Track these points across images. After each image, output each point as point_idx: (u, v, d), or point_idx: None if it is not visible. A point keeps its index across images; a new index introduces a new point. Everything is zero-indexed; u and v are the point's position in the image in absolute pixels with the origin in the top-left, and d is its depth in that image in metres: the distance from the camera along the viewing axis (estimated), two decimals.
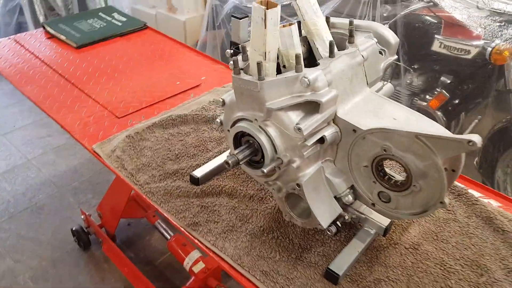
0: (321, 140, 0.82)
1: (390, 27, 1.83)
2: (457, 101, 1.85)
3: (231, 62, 0.89)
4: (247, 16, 1.00)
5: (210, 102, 1.46)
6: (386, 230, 0.95)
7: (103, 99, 1.48)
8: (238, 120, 0.88)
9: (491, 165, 1.95)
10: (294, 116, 0.80)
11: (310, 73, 0.79)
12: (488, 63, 1.68)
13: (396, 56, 0.99)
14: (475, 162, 2.00)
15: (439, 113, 1.88)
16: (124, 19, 2.02)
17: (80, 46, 1.80)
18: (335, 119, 0.83)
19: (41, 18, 3.46)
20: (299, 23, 0.98)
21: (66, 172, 2.57)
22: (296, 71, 0.80)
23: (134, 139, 1.27)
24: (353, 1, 1.88)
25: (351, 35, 0.92)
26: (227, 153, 1.20)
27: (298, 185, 0.85)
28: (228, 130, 0.91)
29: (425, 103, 1.91)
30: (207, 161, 1.19)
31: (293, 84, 0.80)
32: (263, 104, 0.80)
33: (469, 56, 1.74)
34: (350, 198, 0.88)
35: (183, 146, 1.26)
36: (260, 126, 0.84)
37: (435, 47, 1.81)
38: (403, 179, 0.81)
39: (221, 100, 0.90)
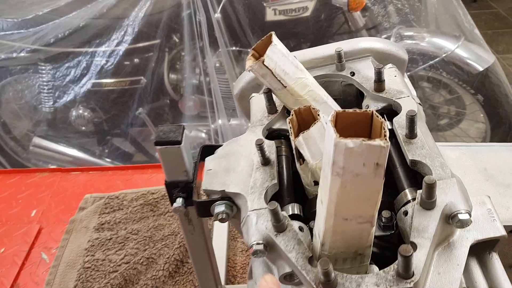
0: None
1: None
2: None
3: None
4: None
5: (88, 249, 0.86)
6: None
7: None
8: None
9: None
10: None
11: (456, 202, 0.40)
12: (332, 12, 1.51)
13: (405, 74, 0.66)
14: None
15: None
16: None
17: None
18: None
19: None
20: (267, 94, 0.54)
21: None
22: (427, 208, 0.39)
23: None
24: None
25: (380, 79, 0.53)
26: None
27: None
28: None
29: None
30: None
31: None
32: None
33: (308, 13, 1.53)
34: None
35: None
36: None
37: (270, 16, 1.53)
38: None
39: None
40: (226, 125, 1.63)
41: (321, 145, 0.45)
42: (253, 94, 0.61)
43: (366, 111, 0.33)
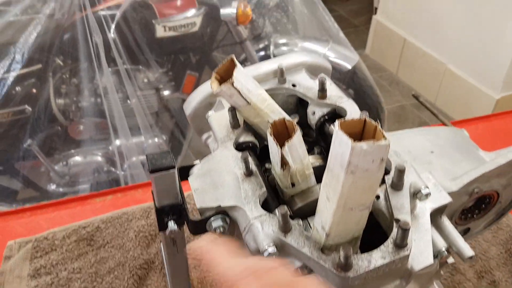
0: None
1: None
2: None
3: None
4: None
5: None
6: None
7: None
8: None
9: None
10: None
11: (416, 181, 0.50)
12: (219, 26, 1.57)
13: None
14: None
15: None
16: None
17: None
18: None
19: None
20: (232, 111, 0.59)
21: None
22: (398, 189, 0.49)
23: None
24: None
25: (323, 88, 0.62)
26: None
27: None
28: None
29: (178, 92, 1.67)
30: None
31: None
32: (407, 271, 0.47)
33: (196, 28, 1.55)
34: None
35: None
36: None
37: (160, 33, 1.51)
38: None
39: None
40: (126, 144, 1.59)
41: (299, 151, 0.52)
42: (209, 113, 0.65)
43: (360, 118, 0.41)
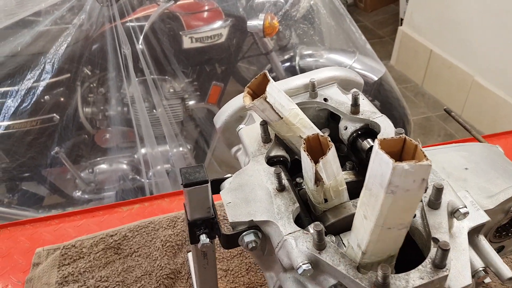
0: None
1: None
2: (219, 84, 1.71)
3: None
4: None
5: None
6: None
7: None
8: None
9: None
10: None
11: (454, 200, 0.49)
12: (245, 37, 1.58)
13: None
14: None
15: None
16: None
17: None
18: None
19: None
20: (264, 125, 0.59)
21: None
22: (435, 208, 0.48)
23: None
24: None
25: (356, 103, 0.61)
26: None
27: None
28: None
29: (203, 103, 1.68)
30: None
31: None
32: None
33: (223, 39, 1.58)
34: None
35: None
36: None
37: (187, 44, 1.54)
38: None
39: None
40: (151, 153, 1.61)
41: (334, 167, 0.51)
42: (241, 126, 0.65)
43: (400, 137, 0.41)
